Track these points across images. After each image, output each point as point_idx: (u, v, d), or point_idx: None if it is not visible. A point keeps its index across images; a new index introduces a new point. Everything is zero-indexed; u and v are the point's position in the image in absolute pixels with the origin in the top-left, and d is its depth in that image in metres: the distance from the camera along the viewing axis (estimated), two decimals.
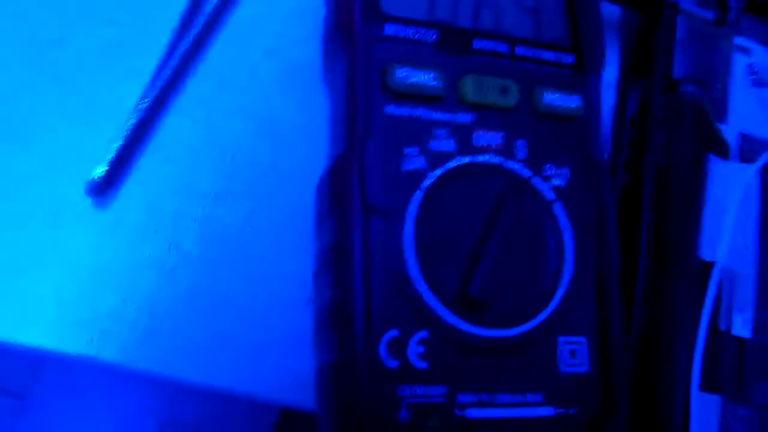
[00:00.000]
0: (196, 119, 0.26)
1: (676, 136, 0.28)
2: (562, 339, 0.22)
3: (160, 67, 0.25)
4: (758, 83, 0.30)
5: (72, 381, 0.80)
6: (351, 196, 0.21)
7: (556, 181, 0.23)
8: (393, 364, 0.20)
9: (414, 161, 0.22)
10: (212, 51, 0.27)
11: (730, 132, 0.29)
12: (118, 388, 0.79)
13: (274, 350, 0.24)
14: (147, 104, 0.25)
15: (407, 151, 0.22)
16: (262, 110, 0.27)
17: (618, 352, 0.23)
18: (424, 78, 0.22)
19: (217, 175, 0.26)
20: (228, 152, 0.26)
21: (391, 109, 0.22)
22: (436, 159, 0.22)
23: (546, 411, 0.21)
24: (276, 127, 0.27)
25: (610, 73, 0.30)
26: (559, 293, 0.22)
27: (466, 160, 0.22)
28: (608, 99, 0.30)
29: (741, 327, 0.27)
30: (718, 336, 0.27)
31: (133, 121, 0.24)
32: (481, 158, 0.23)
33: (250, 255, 0.25)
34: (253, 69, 0.27)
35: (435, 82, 0.22)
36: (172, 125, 0.26)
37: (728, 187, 0.28)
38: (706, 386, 0.26)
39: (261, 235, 0.25)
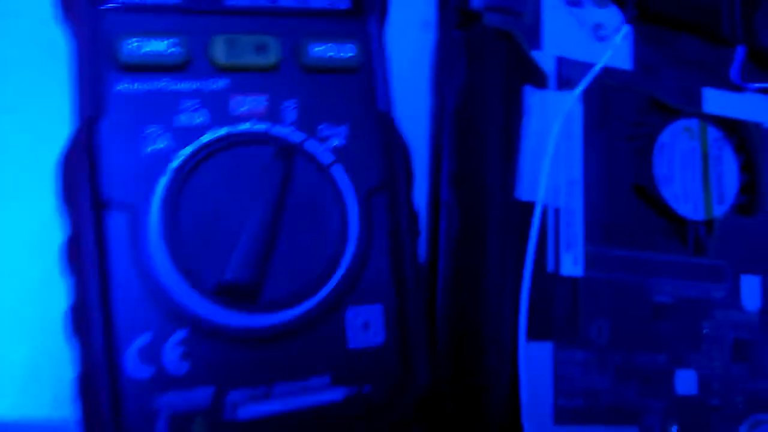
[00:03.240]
0: None
1: (481, 74, 0.25)
2: (352, 311, 0.20)
3: None
4: (572, 2, 0.27)
5: None
6: (80, 190, 0.19)
7: (334, 142, 0.21)
8: (146, 373, 0.18)
9: (158, 140, 0.19)
10: None
11: (545, 58, 0.27)
12: None
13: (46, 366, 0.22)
14: None
15: (149, 130, 0.19)
16: None
17: (415, 315, 0.21)
18: (162, 46, 0.20)
19: None
20: None
21: (126, 85, 0.19)
22: (185, 135, 0.20)
23: (333, 394, 0.20)
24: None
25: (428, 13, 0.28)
26: (345, 263, 0.20)
27: (222, 131, 0.20)
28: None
29: (571, 265, 0.25)
30: (546, 279, 0.25)
31: None
32: (241, 128, 0.20)
33: None
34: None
35: (176, 48, 0.20)
36: None
37: (547, 117, 0.26)
38: (535, 335, 0.24)
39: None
